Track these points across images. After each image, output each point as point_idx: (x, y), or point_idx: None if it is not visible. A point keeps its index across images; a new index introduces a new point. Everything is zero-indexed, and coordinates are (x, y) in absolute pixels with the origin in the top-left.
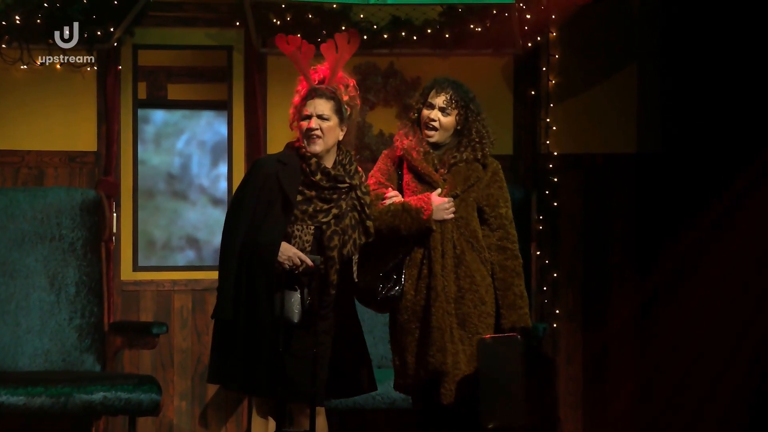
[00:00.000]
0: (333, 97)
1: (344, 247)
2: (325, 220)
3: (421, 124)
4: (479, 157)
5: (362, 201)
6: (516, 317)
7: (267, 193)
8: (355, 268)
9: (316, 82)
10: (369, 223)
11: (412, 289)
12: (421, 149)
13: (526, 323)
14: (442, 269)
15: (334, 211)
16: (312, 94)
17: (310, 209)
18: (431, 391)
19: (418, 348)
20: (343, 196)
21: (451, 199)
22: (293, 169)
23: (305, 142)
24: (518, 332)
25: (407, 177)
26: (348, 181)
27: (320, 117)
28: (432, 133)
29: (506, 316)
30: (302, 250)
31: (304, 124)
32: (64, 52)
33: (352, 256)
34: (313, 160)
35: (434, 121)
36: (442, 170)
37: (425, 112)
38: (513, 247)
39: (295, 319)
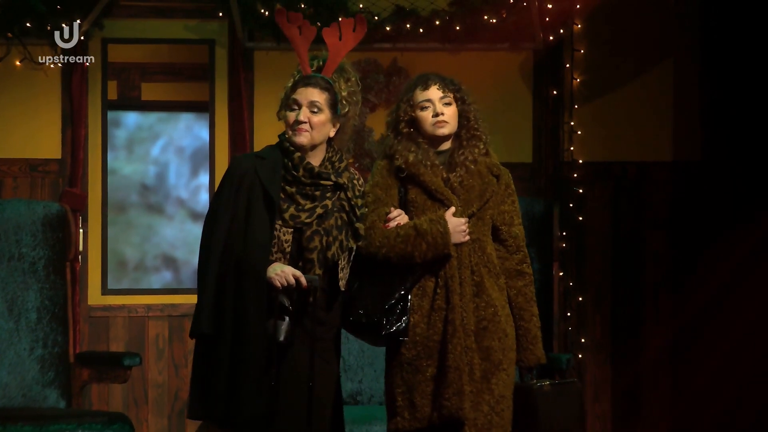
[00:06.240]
0: (329, 88)
1: (328, 250)
2: (308, 220)
3: (422, 129)
4: (484, 150)
5: (352, 203)
6: (539, 353)
7: (246, 192)
8: (341, 275)
9: (314, 70)
10: (359, 225)
11: (423, 322)
12: (429, 162)
13: (544, 358)
14: (460, 299)
15: (318, 210)
16: (304, 81)
17: (292, 208)
18: None
19: (432, 388)
20: (327, 194)
21: (467, 219)
22: (273, 164)
23: (290, 133)
24: (538, 369)
25: (413, 192)
26: (333, 179)
27: (311, 107)
28: (443, 125)
29: (532, 350)
30: (282, 252)
31: (291, 115)
32: (25, 46)
33: (338, 260)
34: (297, 154)
35: (441, 114)
36: (453, 179)
37: (422, 114)
38: (530, 271)
39: (281, 337)
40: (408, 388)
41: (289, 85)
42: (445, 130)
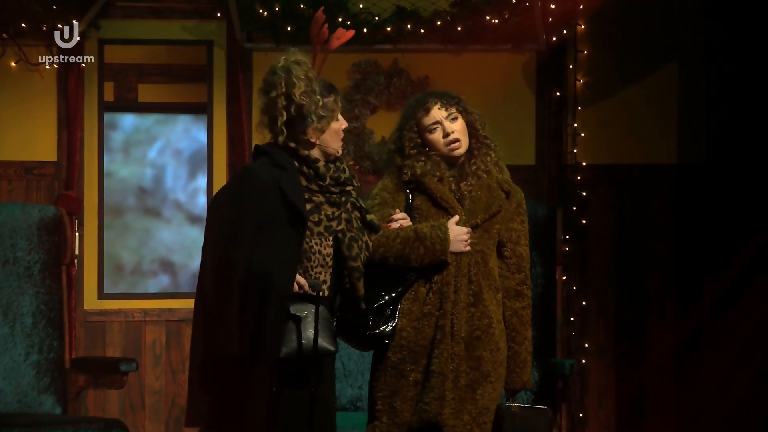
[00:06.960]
0: None
1: (362, 253)
2: (339, 228)
3: (436, 150)
4: (495, 159)
5: (355, 197)
6: (526, 377)
7: (270, 207)
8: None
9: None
10: (370, 217)
11: (410, 326)
12: (438, 174)
13: (531, 384)
14: (453, 307)
15: (344, 215)
16: (336, 89)
17: (324, 218)
18: None
19: (414, 393)
20: (345, 198)
21: (470, 229)
22: (293, 174)
23: (337, 144)
24: (538, 385)
25: (419, 199)
26: (356, 183)
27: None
28: (457, 146)
29: (519, 373)
30: (323, 266)
31: (338, 124)
32: (20, 48)
33: (366, 261)
34: (321, 163)
35: (452, 133)
36: (463, 188)
37: (433, 136)
38: (530, 294)
39: (333, 347)
40: (390, 392)
41: (320, 92)
42: (461, 150)
